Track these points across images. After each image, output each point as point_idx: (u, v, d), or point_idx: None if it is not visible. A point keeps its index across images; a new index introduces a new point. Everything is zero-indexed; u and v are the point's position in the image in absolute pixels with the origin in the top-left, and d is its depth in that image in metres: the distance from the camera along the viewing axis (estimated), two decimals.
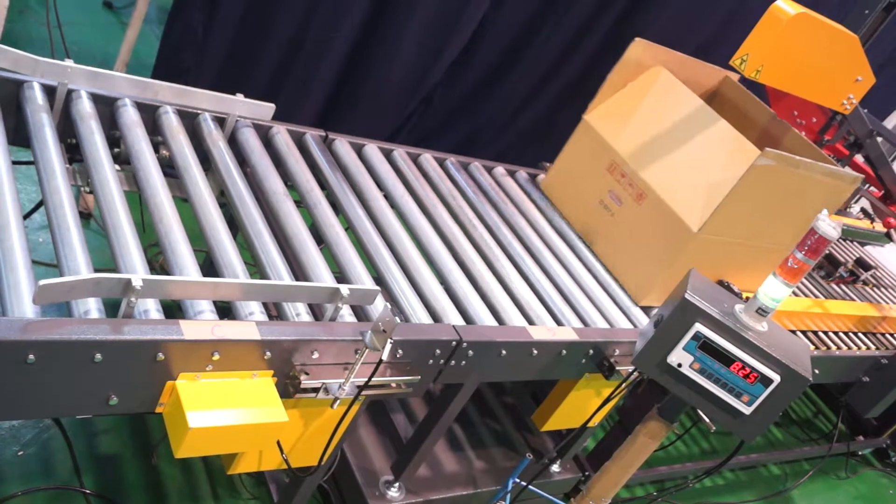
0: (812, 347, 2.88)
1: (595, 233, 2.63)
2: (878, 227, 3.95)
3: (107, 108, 2.00)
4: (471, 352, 1.91)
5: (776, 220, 2.46)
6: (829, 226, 1.68)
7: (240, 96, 2.18)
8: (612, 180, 2.55)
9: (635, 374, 2.01)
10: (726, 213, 2.29)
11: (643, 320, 2.42)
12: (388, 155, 2.54)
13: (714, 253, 2.43)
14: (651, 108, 2.62)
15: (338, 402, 1.70)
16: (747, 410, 1.78)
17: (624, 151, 2.55)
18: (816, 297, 3.18)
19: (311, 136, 2.37)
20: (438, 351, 1.85)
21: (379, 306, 1.83)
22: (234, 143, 2.20)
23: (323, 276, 1.87)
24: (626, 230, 2.52)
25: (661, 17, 4.05)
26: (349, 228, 2.15)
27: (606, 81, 2.66)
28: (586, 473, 2.83)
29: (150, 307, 1.53)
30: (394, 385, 1.79)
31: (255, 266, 1.90)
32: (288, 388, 1.64)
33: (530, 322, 2.15)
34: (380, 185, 2.37)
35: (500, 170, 2.83)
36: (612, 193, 2.56)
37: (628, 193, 2.50)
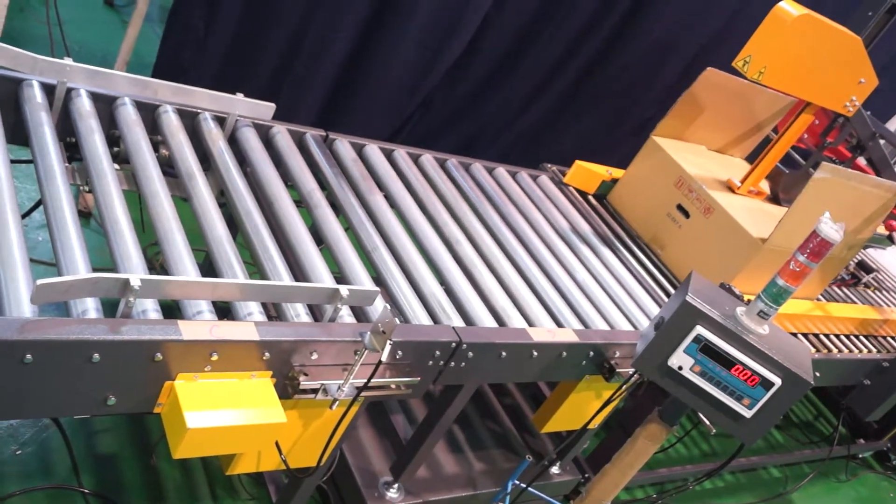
0: (813, 350, 2.87)
1: (663, 242, 2.79)
2: (881, 229, 3.94)
3: (106, 107, 1.99)
4: (470, 353, 1.90)
5: None
6: (831, 228, 1.68)
7: (240, 96, 2.17)
8: (680, 195, 2.74)
9: (636, 376, 2.00)
10: (789, 225, 2.44)
11: (644, 322, 2.42)
12: (388, 155, 2.53)
13: (776, 261, 2.60)
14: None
15: (337, 403, 1.69)
16: (748, 413, 1.77)
17: (691, 169, 2.75)
18: (818, 299, 3.16)
19: (312, 135, 2.36)
20: (438, 352, 1.84)
21: (378, 307, 1.82)
22: (233, 142, 2.20)
23: (322, 277, 1.86)
24: (694, 241, 2.70)
25: (663, 19, 4.04)
26: (349, 229, 2.14)
27: (675, 105, 2.83)
28: (586, 475, 2.83)
29: (149, 307, 1.52)
30: (393, 386, 1.79)
31: (254, 266, 1.89)
32: (287, 388, 1.63)
33: (530, 323, 2.14)
34: (380, 185, 2.36)
35: (501, 171, 2.82)
36: (680, 206, 2.74)
37: (696, 207, 2.69)
